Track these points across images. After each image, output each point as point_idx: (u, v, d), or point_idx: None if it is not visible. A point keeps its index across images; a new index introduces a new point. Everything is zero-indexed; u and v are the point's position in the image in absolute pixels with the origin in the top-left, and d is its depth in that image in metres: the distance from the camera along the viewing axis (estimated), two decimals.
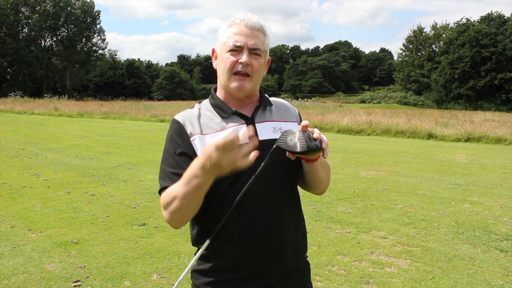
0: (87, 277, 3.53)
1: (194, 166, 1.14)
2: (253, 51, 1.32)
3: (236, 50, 1.32)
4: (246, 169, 1.30)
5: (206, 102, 1.43)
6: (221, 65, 1.35)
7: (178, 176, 1.28)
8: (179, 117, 1.38)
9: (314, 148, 1.15)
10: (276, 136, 1.34)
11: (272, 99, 1.49)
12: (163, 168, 1.34)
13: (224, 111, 1.36)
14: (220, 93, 1.41)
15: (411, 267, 3.76)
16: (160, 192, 1.32)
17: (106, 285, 3.40)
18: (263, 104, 1.41)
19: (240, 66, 1.31)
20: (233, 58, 1.32)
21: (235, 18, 1.35)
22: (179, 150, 1.31)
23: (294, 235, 1.39)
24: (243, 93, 1.35)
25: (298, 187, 1.48)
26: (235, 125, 1.34)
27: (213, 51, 1.42)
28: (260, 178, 1.20)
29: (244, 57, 1.30)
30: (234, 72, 1.32)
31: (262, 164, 1.21)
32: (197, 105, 1.43)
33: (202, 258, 1.37)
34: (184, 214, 1.25)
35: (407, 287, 3.41)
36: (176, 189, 1.21)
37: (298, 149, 1.14)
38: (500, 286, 3.44)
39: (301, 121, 1.48)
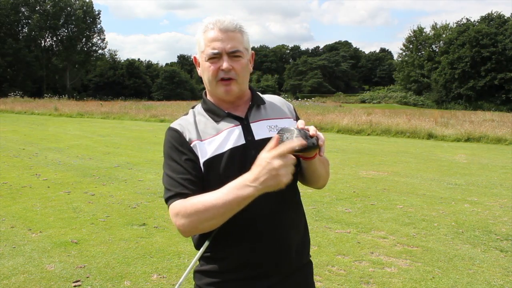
0: (87, 277, 3.53)
1: (245, 177, 1.15)
2: (233, 54, 1.31)
3: (215, 57, 1.31)
4: (246, 167, 1.30)
5: (199, 107, 1.42)
6: (205, 74, 1.35)
7: (189, 181, 1.27)
8: (176, 125, 1.37)
9: (310, 146, 1.15)
10: (272, 134, 1.33)
11: (265, 96, 1.48)
12: (171, 175, 1.30)
13: (217, 114, 1.36)
14: (211, 97, 1.41)
15: (411, 267, 3.76)
16: (169, 199, 1.28)
17: (106, 285, 3.40)
18: (256, 103, 1.41)
19: (222, 73, 1.31)
20: (214, 67, 1.31)
21: (208, 23, 1.33)
22: (184, 157, 1.30)
23: (296, 233, 1.39)
24: (232, 97, 1.35)
25: (298, 183, 1.47)
26: (230, 127, 1.34)
27: (195, 59, 1.41)
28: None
29: (224, 64, 1.29)
30: (218, 80, 1.32)
31: None
32: (191, 111, 1.42)
33: (204, 259, 1.37)
34: (211, 224, 1.22)
35: (407, 287, 3.41)
36: (214, 197, 1.18)
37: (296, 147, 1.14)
38: (500, 286, 3.44)
39: (296, 115, 1.48)
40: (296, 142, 1.11)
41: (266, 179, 1.11)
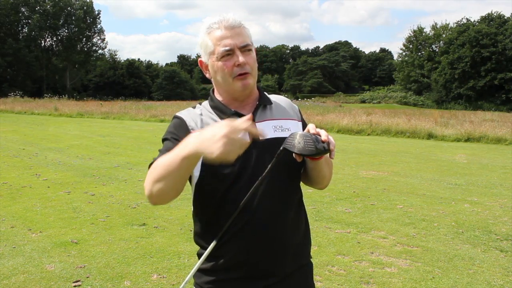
0: (87, 277, 3.53)
1: (191, 137, 1.09)
2: (244, 48, 1.32)
3: (228, 54, 1.31)
4: (248, 166, 1.30)
5: (206, 104, 1.43)
6: (219, 74, 1.34)
7: None
8: (181, 114, 1.40)
9: (322, 150, 1.16)
10: (277, 135, 1.34)
11: (271, 96, 1.49)
12: (161, 150, 1.33)
13: (224, 112, 1.36)
14: (219, 96, 1.41)
15: (411, 267, 3.76)
16: (149, 166, 1.27)
17: (106, 285, 3.40)
18: (262, 103, 1.41)
19: (238, 69, 1.31)
20: (229, 63, 1.31)
21: (212, 23, 1.33)
22: (175, 137, 1.32)
23: (295, 234, 1.39)
24: (248, 90, 1.36)
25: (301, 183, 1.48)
26: None
27: (201, 63, 1.40)
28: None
29: (240, 58, 1.30)
30: (235, 76, 1.32)
31: (269, 166, 1.21)
32: (198, 106, 1.44)
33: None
34: (160, 188, 1.16)
35: (407, 287, 3.41)
36: (164, 157, 1.16)
37: (306, 152, 1.14)
38: (500, 286, 3.44)
39: (301, 117, 1.49)
40: (256, 131, 1.09)
41: (204, 140, 1.04)
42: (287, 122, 1.41)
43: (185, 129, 1.33)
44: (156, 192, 1.18)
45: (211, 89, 1.46)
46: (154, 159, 1.26)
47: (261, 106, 1.41)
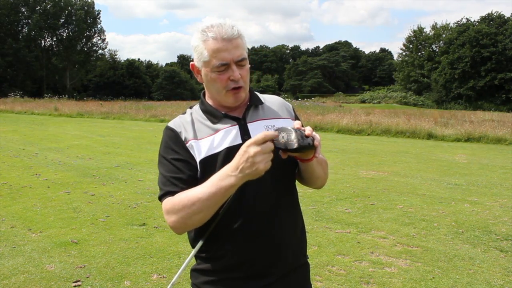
0: (87, 277, 3.53)
1: (226, 168, 1.17)
2: (240, 62, 1.31)
3: (223, 69, 1.30)
4: None
5: (197, 108, 1.42)
6: (212, 85, 1.33)
7: (180, 180, 1.29)
8: (172, 124, 1.38)
9: (306, 146, 1.14)
10: None
11: (264, 96, 1.48)
12: (163, 173, 1.33)
13: (215, 116, 1.36)
14: (210, 100, 1.41)
15: (411, 267, 3.76)
16: (162, 197, 1.30)
17: (106, 285, 3.40)
18: (253, 104, 1.41)
19: (232, 83, 1.30)
20: (223, 77, 1.30)
21: (208, 30, 1.29)
22: (176, 156, 1.32)
23: (292, 234, 1.40)
24: (239, 103, 1.37)
25: (297, 183, 1.48)
26: (227, 127, 1.34)
27: (193, 66, 1.39)
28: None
29: (236, 74, 1.29)
30: (228, 89, 1.32)
31: None
32: (188, 111, 1.43)
33: (201, 258, 1.39)
34: (200, 218, 1.23)
35: (407, 287, 3.41)
36: (199, 191, 1.20)
37: (290, 147, 1.14)
38: (500, 286, 3.44)
39: (296, 115, 1.48)
40: (271, 132, 1.14)
41: (244, 167, 1.13)
42: (279, 121, 1.40)
43: (180, 141, 1.33)
44: (198, 222, 1.25)
45: (202, 92, 1.45)
46: (164, 190, 1.30)
47: (252, 106, 1.40)
